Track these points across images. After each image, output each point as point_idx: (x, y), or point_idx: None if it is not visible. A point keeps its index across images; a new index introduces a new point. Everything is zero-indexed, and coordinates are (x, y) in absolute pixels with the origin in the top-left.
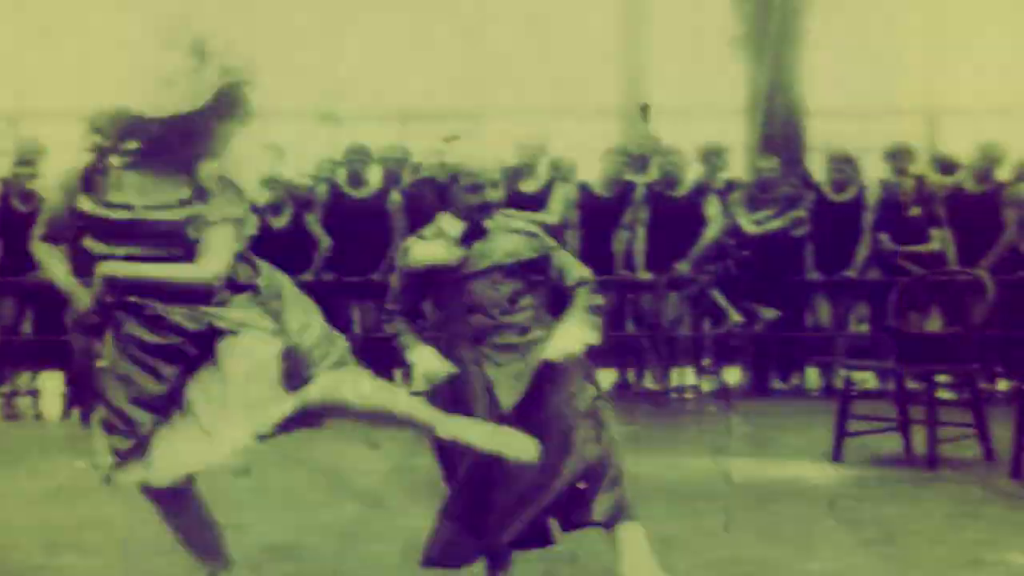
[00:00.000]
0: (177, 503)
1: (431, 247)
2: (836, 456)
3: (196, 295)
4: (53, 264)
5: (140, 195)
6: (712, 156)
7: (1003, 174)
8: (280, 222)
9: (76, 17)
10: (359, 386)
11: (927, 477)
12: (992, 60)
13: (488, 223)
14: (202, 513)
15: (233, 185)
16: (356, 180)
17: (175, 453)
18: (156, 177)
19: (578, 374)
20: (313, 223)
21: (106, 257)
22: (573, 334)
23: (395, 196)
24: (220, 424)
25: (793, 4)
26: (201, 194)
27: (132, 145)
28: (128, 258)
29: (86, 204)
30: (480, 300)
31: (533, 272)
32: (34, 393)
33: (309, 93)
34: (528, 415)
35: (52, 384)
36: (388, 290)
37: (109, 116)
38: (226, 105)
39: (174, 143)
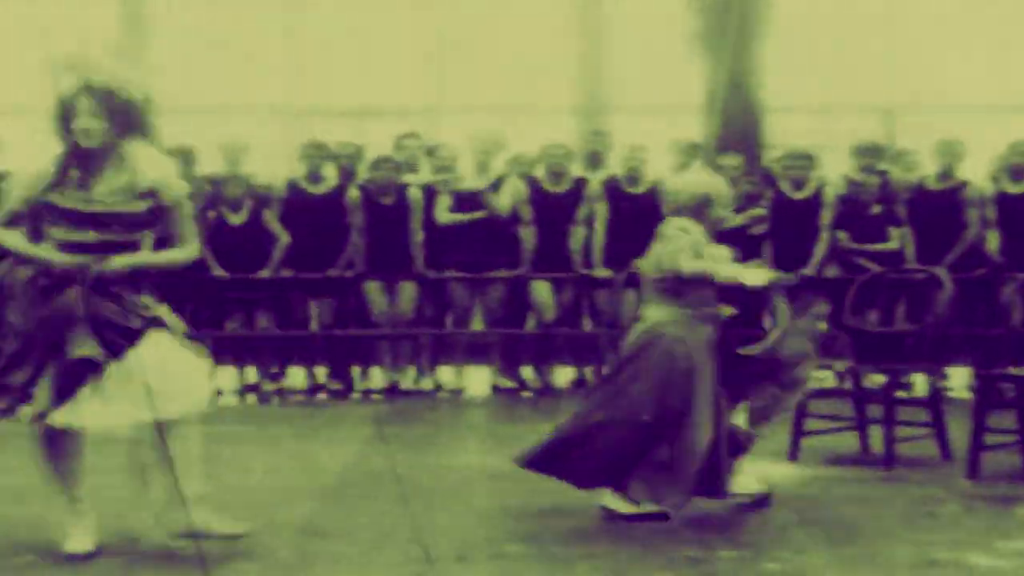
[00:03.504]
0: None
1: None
2: (793, 455)
3: (132, 286)
4: (17, 240)
5: (105, 189)
6: (688, 152)
7: (963, 172)
8: (239, 218)
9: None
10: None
11: (884, 476)
12: (953, 57)
13: None
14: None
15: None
16: (314, 176)
17: (101, 406)
18: (114, 172)
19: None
20: (271, 219)
21: (79, 245)
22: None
23: (352, 192)
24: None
25: (751, 1)
26: (154, 190)
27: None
28: (100, 245)
29: (58, 199)
30: None
31: None
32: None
33: (268, 89)
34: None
35: None
36: (346, 286)
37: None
38: (126, 123)
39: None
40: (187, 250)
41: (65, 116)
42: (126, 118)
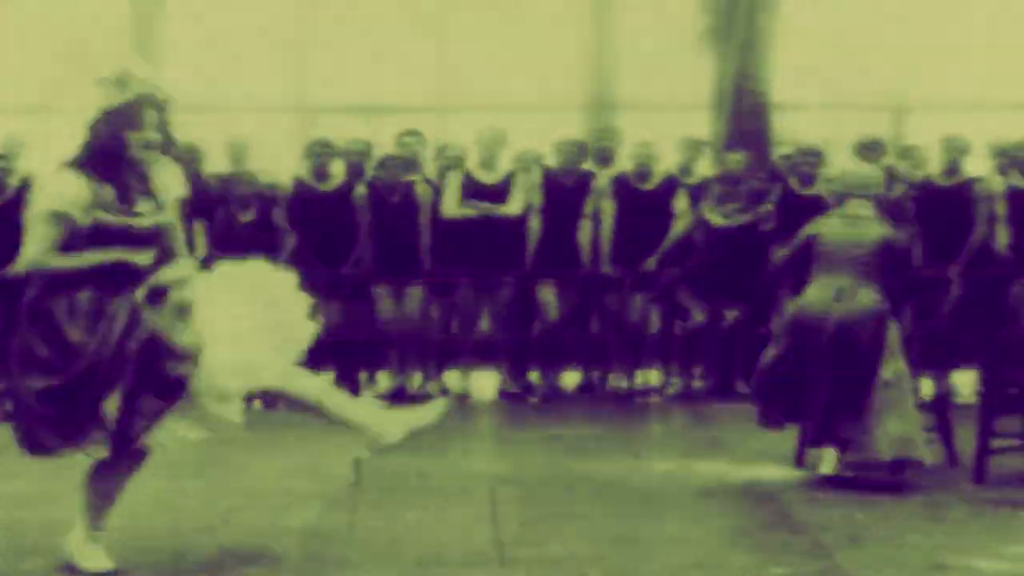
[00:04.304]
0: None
1: None
2: (799, 460)
3: None
4: (73, 257)
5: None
6: (693, 148)
7: (971, 169)
8: (247, 216)
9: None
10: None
11: (891, 481)
12: (961, 54)
13: None
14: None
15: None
16: (321, 174)
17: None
18: (134, 190)
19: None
20: (279, 217)
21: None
22: None
23: (361, 190)
24: None
25: None
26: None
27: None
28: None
29: (107, 217)
30: None
31: None
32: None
33: (276, 88)
34: None
35: None
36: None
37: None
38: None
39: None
40: (191, 264)
41: (119, 126)
42: (167, 131)
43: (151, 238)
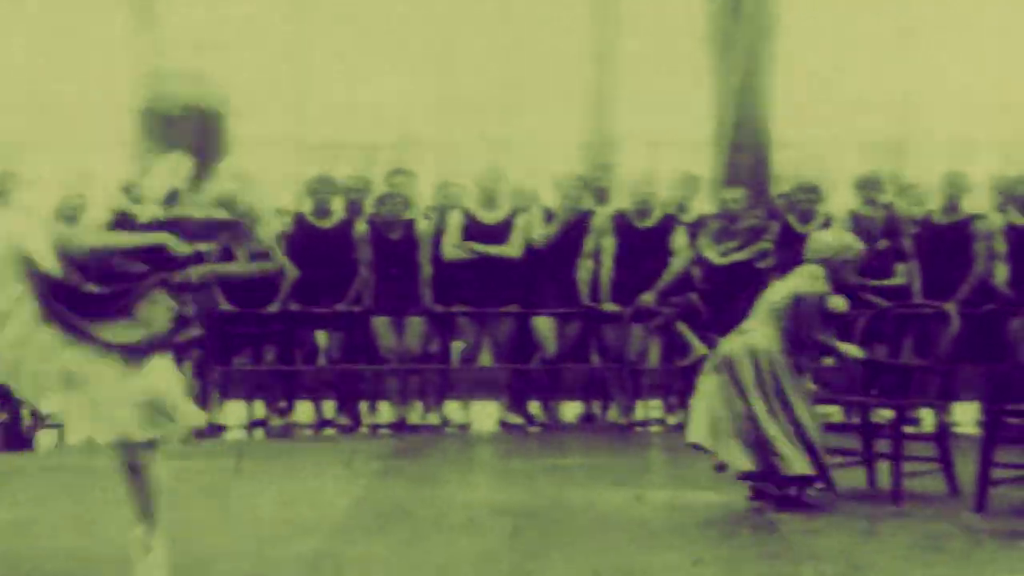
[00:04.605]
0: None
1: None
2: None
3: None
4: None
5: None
6: (690, 184)
7: (970, 205)
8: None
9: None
10: None
11: (891, 511)
12: (960, 91)
13: None
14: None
15: None
16: (321, 210)
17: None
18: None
19: None
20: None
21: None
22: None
23: (361, 226)
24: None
25: (760, 35)
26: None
27: None
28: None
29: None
30: None
31: None
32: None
33: (277, 122)
34: None
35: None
36: (353, 320)
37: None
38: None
39: None
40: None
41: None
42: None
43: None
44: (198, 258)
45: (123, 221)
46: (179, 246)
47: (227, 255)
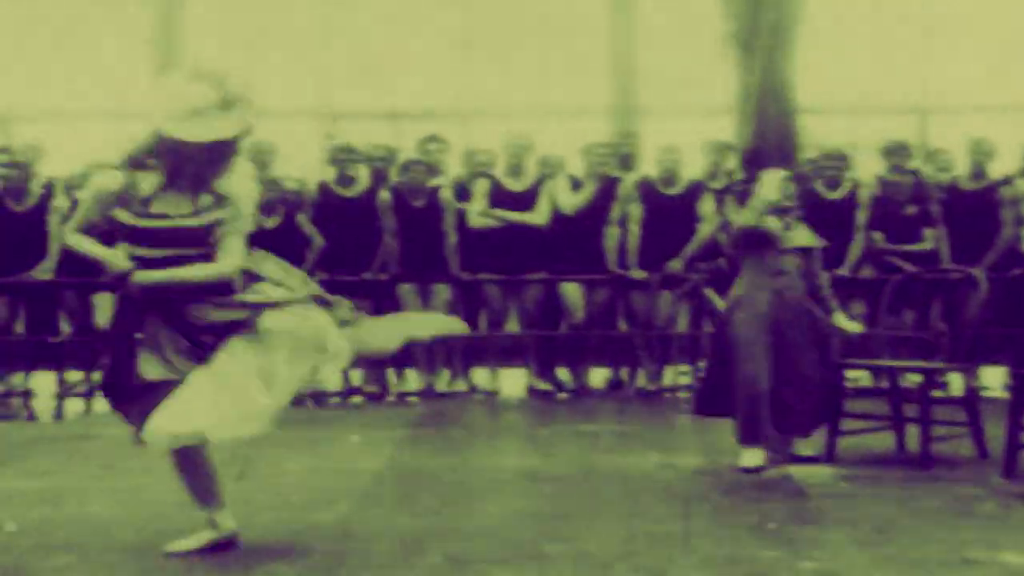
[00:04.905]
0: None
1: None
2: (830, 455)
3: (220, 288)
4: (87, 242)
5: (171, 206)
6: (719, 152)
7: (996, 171)
8: (272, 222)
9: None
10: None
11: (921, 476)
12: (985, 57)
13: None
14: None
15: (240, 191)
16: (345, 179)
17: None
18: (180, 189)
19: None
20: (304, 222)
21: (145, 261)
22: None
23: (384, 195)
24: (251, 392)
25: (785, 1)
26: (219, 201)
27: (161, 164)
28: (164, 260)
29: (123, 216)
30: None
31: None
32: (27, 393)
33: (300, 93)
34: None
35: (45, 384)
36: (379, 289)
37: (144, 140)
38: (243, 140)
39: (198, 164)
40: (222, 265)
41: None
42: (245, 136)
43: (173, 239)
44: None
45: None
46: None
47: None
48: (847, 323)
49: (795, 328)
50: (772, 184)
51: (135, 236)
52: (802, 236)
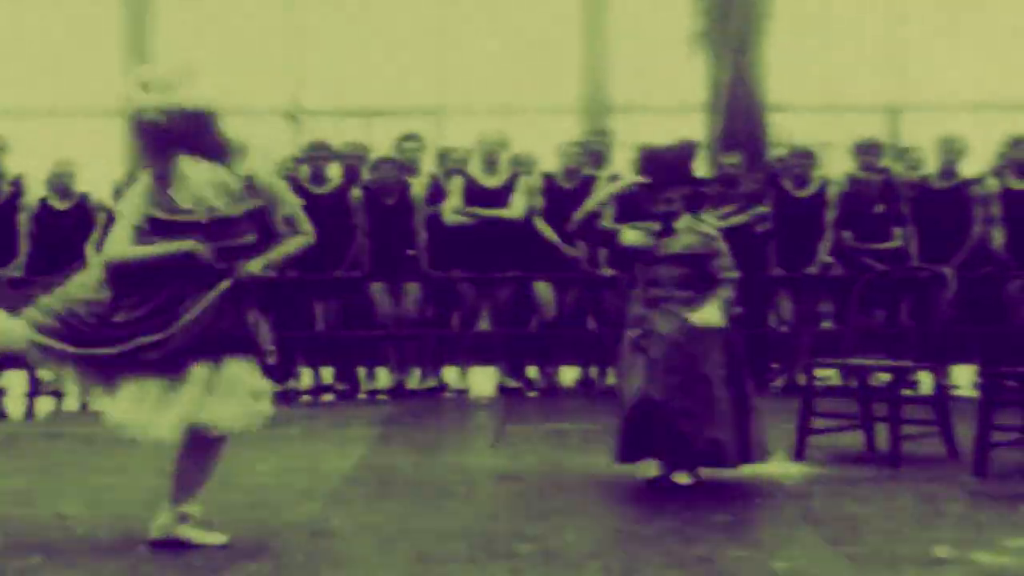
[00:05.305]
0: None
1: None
2: (799, 454)
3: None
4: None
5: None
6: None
7: (967, 170)
8: None
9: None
10: None
11: (890, 475)
12: (956, 55)
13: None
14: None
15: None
16: (317, 177)
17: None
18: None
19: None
20: (275, 220)
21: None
22: (712, 313)
23: (356, 192)
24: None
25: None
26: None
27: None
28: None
29: (157, 212)
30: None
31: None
32: None
33: (273, 90)
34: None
35: (16, 383)
36: (350, 287)
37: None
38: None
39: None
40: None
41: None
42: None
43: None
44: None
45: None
46: (204, 251)
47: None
48: (709, 314)
49: (696, 350)
50: (603, 188)
51: (166, 231)
52: (686, 238)
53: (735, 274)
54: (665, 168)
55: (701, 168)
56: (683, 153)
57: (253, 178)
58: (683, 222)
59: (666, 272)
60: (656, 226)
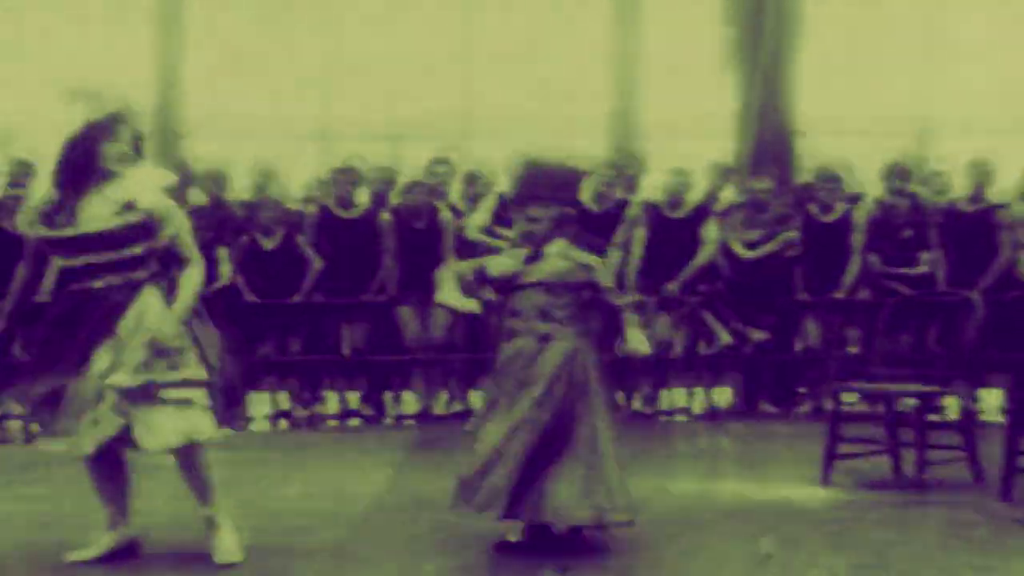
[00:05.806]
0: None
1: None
2: (826, 479)
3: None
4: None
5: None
6: (720, 174)
7: (995, 194)
8: (271, 243)
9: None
10: None
11: (917, 500)
12: (984, 78)
13: (547, 249)
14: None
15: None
16: (345, 200)
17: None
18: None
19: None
20: (304, 244)
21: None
22: (640, 340)
23: (385, 216)
24: None
25: (785, 21)
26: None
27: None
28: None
29: (43, 231)
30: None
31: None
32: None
33: (303, 110)
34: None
35: None
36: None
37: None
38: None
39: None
40: (196, 268)
41: (91, 140)
42: (139, 144)
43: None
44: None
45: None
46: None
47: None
48: (638, 342)
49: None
50: (485, 206)
51: (58, 248)
52: (555, 263)
53: (629, 298)
54: (541, 184)
55: (585, 196)
56: (567, 174)
57: (136, 200)
58: (555, 247)
59: (527, 300)
60: (525, 251)
